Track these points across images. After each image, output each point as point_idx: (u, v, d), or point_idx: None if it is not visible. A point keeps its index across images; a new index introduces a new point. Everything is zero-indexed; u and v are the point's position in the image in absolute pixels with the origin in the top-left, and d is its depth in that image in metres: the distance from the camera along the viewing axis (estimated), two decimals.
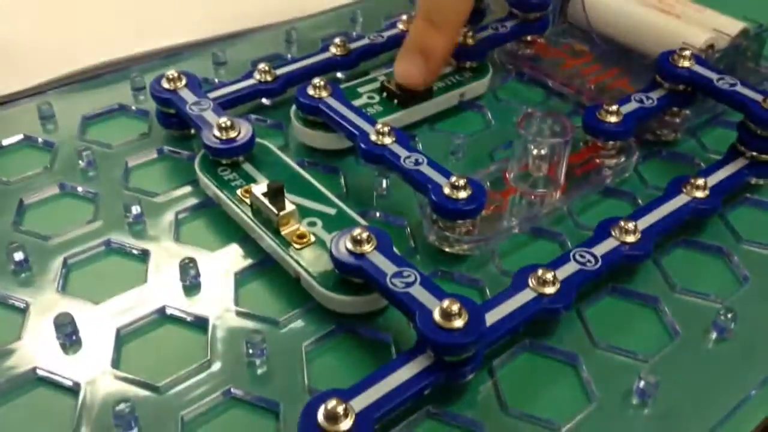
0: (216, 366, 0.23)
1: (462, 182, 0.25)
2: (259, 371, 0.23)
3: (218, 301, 0.25)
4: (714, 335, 0.24)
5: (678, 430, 0.22)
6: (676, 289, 0.26)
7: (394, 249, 0.24)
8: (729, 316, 0.24)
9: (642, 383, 0.22)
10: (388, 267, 0.23)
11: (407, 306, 0.22)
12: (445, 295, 0.22)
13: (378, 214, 0.28)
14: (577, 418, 0.22)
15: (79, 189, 0.29)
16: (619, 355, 0.23)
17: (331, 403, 0.19)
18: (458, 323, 0.21)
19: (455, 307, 0.21)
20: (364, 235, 0.23)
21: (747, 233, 0.28)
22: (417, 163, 0.27)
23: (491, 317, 0.22)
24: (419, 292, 0.22)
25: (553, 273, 0.24)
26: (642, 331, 0.24)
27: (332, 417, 0.19)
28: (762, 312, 0.25)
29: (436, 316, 0.21)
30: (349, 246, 0.23)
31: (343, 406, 0.19)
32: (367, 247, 0.23)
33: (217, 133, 0.28)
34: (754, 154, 0.29)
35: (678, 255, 0.27)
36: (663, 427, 0.22)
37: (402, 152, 0.28)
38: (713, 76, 0.30)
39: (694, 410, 0.22)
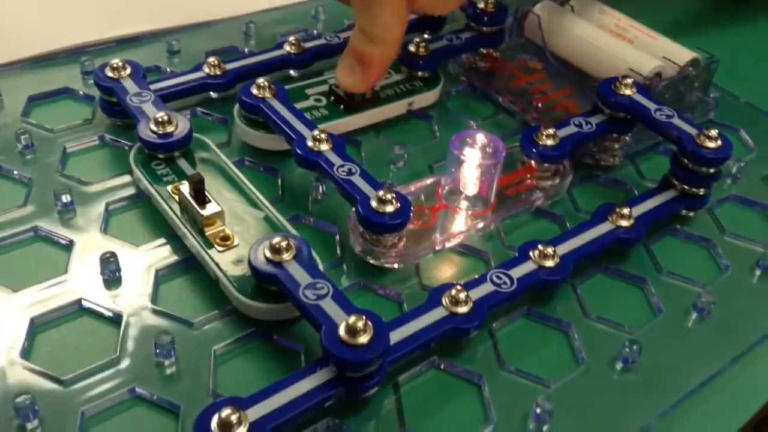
0: (125, 363, 0.23)
1: (390, 196, 0.26)
2: (167, 372, 0.23)
3: (136, 297, 0.25)
4: (619, 365, 0.25)
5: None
6: (589, 316, 0.26)
7: (316, 259, 0.24)
8: (634, 347, 0.24)
9: (538, 409, 0.22)
10: (302, 278, 0.23)
11: (315, 319, 0.22)
12: (354, 310, 0.22)
13: (311, 220, 0.29)
14: None
15: (15, 172, 0.29)
16: (524, 379, 0.24)
17: (225, 412, 0.19)
18: (362, 339, 0.21)
19: (360, 323, 0.21)
20: (284, 243, 0.24)
21: (669, 264, 0.28)
22: (349, 172, 0.27)
23: (400, 334, 0.23)
24: (329, 306, 0.22)
25: (466, 293, 0.24)
26: (548, 355, 0.25)
27: (226, 426, 0.19)
28: (668, 345, 0.26)
29: (341, 331, 0.21)
30: (267, 253, 0.24)
31: (237, 414, 0.19)
32: (285, 256, 0.23)
33: (153, 126, 0.28)
34: (685, 186, 0.30)
35: (597, 282, 0.28)
36: None
37: (336, 160, 0.28)
38: (652, 106, 0.30)
39: None
